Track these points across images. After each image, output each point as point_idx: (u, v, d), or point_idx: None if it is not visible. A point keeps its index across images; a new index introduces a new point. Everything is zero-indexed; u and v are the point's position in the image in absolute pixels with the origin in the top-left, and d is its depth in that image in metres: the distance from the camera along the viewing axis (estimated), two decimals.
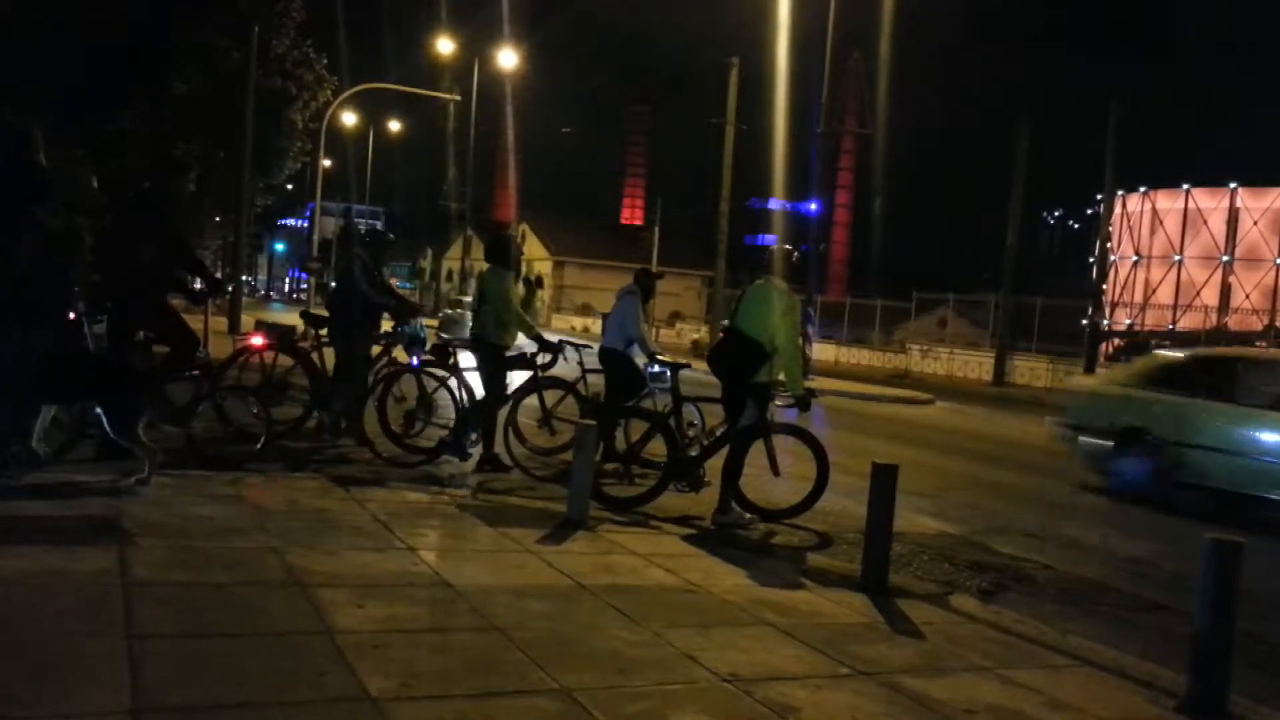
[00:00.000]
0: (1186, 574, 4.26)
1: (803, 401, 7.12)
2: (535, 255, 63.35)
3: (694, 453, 7.52)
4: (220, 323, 19.95)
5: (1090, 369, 30.26)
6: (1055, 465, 12.92)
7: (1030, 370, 32.45)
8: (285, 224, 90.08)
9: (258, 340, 8.51)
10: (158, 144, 20.41)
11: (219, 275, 17.07)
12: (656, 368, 8.52)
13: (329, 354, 8.82)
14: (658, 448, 7.62)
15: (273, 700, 3.25)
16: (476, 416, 8.10)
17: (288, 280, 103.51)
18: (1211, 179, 53.59)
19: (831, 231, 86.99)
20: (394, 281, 9.11)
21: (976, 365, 33.38)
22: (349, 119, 43.65)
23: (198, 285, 7.71)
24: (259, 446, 7.20)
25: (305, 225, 59.86)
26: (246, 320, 22.25)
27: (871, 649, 4.46)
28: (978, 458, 12.83)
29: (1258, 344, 37.41)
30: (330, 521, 5.70)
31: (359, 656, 3.67)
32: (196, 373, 7.32)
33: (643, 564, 5.56)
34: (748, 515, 7.11)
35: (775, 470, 7.15)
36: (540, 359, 8.47)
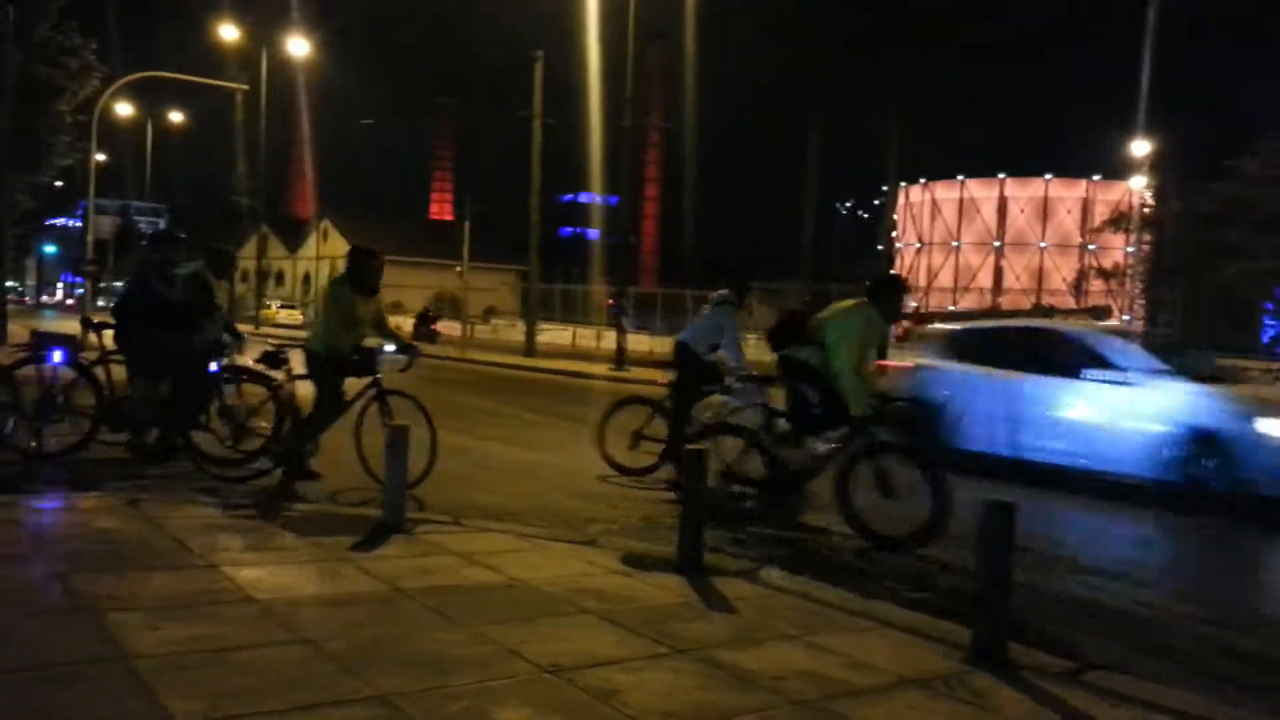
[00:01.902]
0: (973, 535, 4.62)
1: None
2: (339, 253, 61.13)
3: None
4: None
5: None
6: None
7: None
8: (56, 224, 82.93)
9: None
10: None
11: None
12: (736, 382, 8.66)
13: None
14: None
15: None
16: (308, 428, 7.78)
17: (60, 285, 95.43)
18: (983, 170, 58.20)
19: (641, 224, 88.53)
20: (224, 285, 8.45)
21: None
22: (125, 110, 40.63)
23: None
24: (31, 466, 6.61)
25: (79, 225, 55.28)
26: (16, 330, 20.35)
27: (688, 627, 4.61)
28: None
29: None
30: (119, 542, 5.32)
31: (160, 680, 3.47)
32: None
33: (462, 563, 5.51)
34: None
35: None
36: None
